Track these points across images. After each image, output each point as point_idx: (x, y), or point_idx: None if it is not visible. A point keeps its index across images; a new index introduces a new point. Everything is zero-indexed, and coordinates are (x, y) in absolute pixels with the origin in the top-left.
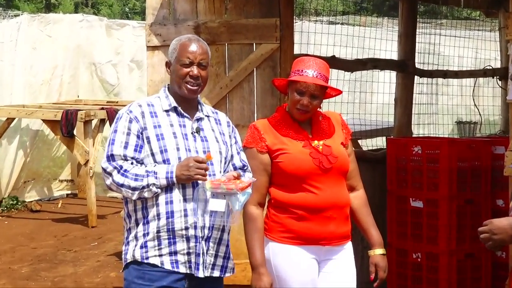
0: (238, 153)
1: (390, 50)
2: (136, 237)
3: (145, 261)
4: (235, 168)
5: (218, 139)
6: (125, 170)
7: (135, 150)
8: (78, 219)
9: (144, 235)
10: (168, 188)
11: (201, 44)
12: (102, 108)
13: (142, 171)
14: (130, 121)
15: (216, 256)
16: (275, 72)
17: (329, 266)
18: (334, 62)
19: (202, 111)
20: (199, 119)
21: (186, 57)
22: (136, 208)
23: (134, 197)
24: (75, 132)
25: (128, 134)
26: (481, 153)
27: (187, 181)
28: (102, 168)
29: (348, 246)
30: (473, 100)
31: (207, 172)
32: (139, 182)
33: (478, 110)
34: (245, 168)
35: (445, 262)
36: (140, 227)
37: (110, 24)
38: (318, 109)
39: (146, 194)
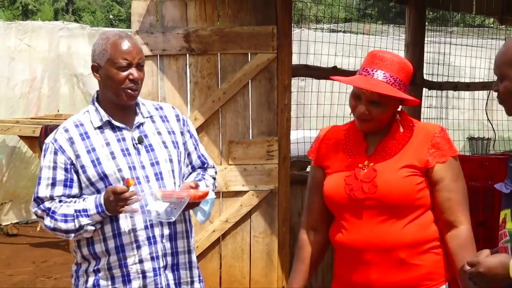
0: (196, 148)
1: None
2: (86, 273)
3: None
4: (193, 169)
5: (166, 143)
6: (53, 212)
7: (65, 186)
8: (58, 243)
9: (94, 271)
10: (113, 217)
11: (134, 41)
12: None
13: (71, 210)
14: (55, 153)
15: (192, 282)
16: (272, 84)
17: None
18: (336, 73)
19: (142, 113)
20: (139, 125)
21: (123, 58)
22: (80, 244)
23: (72, 239)
24: None
25: (55, 168)
26: (494, 171)
27: (117, 213)
28: (33, 212)
29: None
30: (486, 114)
31: (137, 197)
32: (70, 223)
33: (492, 125)
34: (205, 165)
35: None
36: (90, 262)
37: (93, 32)
38: (412, 119)
39: (84, 235)
